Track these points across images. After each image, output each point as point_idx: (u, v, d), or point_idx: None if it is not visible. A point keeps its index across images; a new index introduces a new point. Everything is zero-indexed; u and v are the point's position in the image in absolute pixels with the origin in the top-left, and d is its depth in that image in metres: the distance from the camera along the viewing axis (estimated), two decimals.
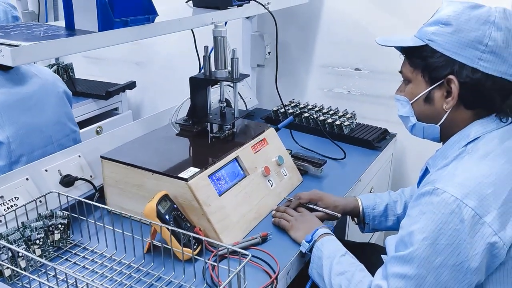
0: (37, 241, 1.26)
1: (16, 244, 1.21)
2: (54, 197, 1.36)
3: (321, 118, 2.10)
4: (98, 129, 2.49)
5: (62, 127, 1.92)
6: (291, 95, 2.42)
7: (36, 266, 1.19)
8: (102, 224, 1.31)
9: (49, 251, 1.29)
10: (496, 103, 1.10)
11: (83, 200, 1.32)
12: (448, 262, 0.99)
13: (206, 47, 1.60)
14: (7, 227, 1.27)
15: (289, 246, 1.35)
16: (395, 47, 1.23)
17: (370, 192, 1.93)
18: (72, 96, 2.39)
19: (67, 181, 1.48)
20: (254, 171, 1.54)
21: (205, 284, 1.17)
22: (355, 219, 1.55)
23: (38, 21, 2.74)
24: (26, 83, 1.82)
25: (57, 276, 1.11)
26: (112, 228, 1.28)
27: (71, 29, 1.30)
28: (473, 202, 0.99)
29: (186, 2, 1.81)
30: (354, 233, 1.76)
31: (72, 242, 1.35)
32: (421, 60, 1.14)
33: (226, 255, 1.16)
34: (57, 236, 1.31)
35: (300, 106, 2.27)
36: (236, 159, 1.52)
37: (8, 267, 1.16)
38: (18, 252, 1.15)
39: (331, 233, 1.33)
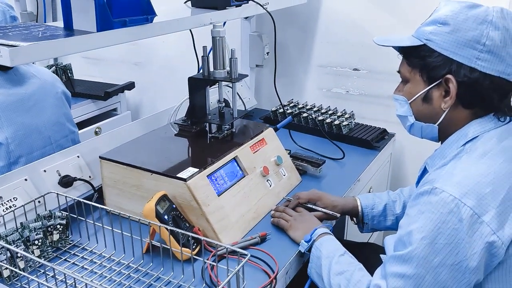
0: (36, 242, 1.26)
1: (15, 245, 1.21)
2: (53, 198, 1.36)
3: (320, 118, 2.10)
4: (97, 130, 2.49)
5: (61, 128, 1.92)
6: (289, 95, 2.42)
7: (35, 266, 1.19)
8: (101, 225, 1.31)
9: (48, 251, 1.29)
10: (494, 103, 1.10)
11: (82, 200, 1.32)
12: (446, 262, 0.99)
13: (204, 47, 1.61)
14: (5, 228, 1.27)
15: (288, 246, 1.35)
16: (393, 46, 1.23)
17: (369, 192, 1.93)
18: (71, 97, 2.40)
19: (66, 181, 1.48)
20: (253, 171, 1.54)
21: (204, 284, 1.17)
22: (354, 219, 1.55)
23: (37, 22, 2.74)
24: (25, 83, 1.82)
25: (56, 276, 1.11)
26: (111, 228, 1.28)
27: (69, 29, 1.30)
28: (471, 202, 0.99)
29: (185, 2, 1.81)
30: (353, 233, 1.76)
31: (71, 242, 1.35)
32: (419, 59, 1.14)
33: (225, 255, 1.16)
34: (56, 237, 1.31)
35: (299, 106, 2.27)
36: (235, 159, 1.52)
37: (7, 268, 1.16)
38: (16, 253, 1.15)
39: (330, 232, 1.33)
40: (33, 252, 1.25)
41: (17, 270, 1.13)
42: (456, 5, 1.11)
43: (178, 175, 1.34)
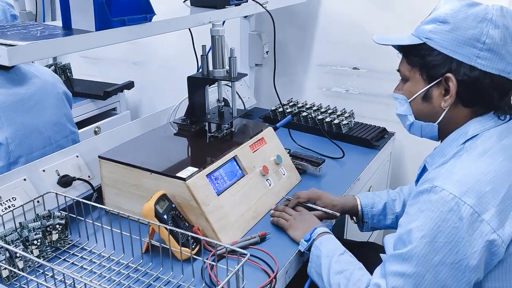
0: (35, 242, 1.25)
1: (14, 245, 1.21)
2: (52, 198, 1.36)
3: (320, 117, 2.10)
4: (96, 129, 2.49)
5: (61, 128, 1.91)
6: (289, 94, 2.42)
7: (34, 266, 1.19)
8: (100, 224, 1.31)
9: (47, 251, 1.29)
10: (494, 101, 1.10)
11: (81, 200, 1.31)
12: (446, 260, 0.99)
13: (203, 46, 1.60)
14: (4, 228, 1.26)
15: (288, 245, 1.35)
16: (392, 45, 1.23)
17: (369, 191, 1.92)
18: (73, 97, 2.40)
19: (65, 181, 1.48)
20: (252, 171, 1.54)
21: (203, 284, 1.17)
22: (354, 218, 1.55)
23: (36, 21, 2.73)
24: (26, 83, 1.81)
25: (55, 276, 1.10)
26: (110, 228, 1.28)
27: (68, 28, 1.30)
28: (471, 200, 0.98)
29: (184, 1, 1.81)
30: (353, 232, 1.75)
31: (70, 242, 1.35)
32: (418, 58, 1.14)
33: (225, 255, 1.16)
34: (55, 237, 1.31)
35: (299, 105, 2.26)
36: (234, 158, 1.51)
37: (5, 268, 1.16)
38: (15, 253, 1.15)
39: (330, 232, 1.33)
40: (32, 252, 1.25)
41: (16, 270, 1.13)
42: (456, 3, 1.10)
43: (178, 175, 1.33)
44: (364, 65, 2.31)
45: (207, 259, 1.20)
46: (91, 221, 1.33)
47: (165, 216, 1.26)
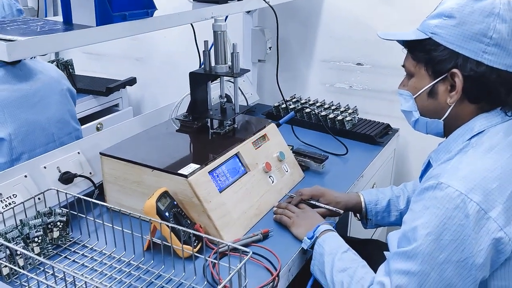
0: (36, 239, 1.24)
1: (14, 242, 1.20)
2: (53, 195, 1.35)
3: (323, 113, 2.08)
4: (98, 126, 2.48)
5: (65, 125, 1.90)
6: (292, 90, 2.40)
7: (35, 264, 1.18)
8: (101, 222, 1.30)
9: (48, 249, 1.28)
10: (501, 97, 1.08)
11: (82, 197, 1.30)
12: (452, 258, 0.97)
13: (206, 42, 1.59)
14: (5, 225, 1.25)
15: (291, 243, 1.33)
16: (397, 40, 1.21)
17: (373, 187, 1.91)
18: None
19: (66, 178, 1.47)
20: (255, 167, 1.52)
21: (205, 282, 1.16)
22: (358, 215, 1.53)
23: (37, 17, 2.72)
24: (30, 79, 1.81)
25: (56, 274, 1.09)
26: (111, 225, 1.27)
27: (69, 23, 1.28)
28: (478, 197, 0.97)
29: None
30: (356, 229, 1.74)
31: (71, 239, 1.33)
32: (424, 53, 1.12)
33: (227, 252, 1.15)
34: (56, 234, 1.30)
35: (302, 101, 2.25)
36: (236, 155, 1.50)
37: (6, 266, 1.15)
38: (16, 250, 1.14)
39: (333, 229, 1.31)
40: (33, 250, 1.24)
41: (16, 268, 1.12)
42: None
43: (179, 172, 1.32)
44: (368, 60, 2.29)
45: (209, 257, 1.18)
46: (92, 219, 1.31)
47: (166, 214, 1.25)
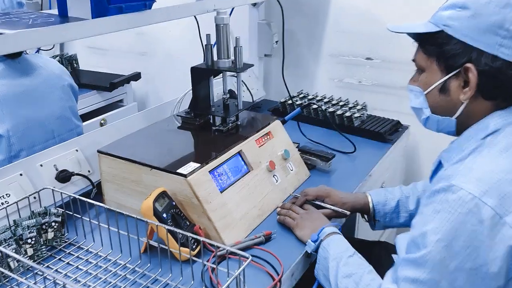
0: (29, 240, 1.20)
1: (6, 244, 1.15)
2: (48, 194, 1.30)
3: (330, 109, 2.02)
4: (102, 122, 2.43)
5: (66, 122, 1.87)
6: (299, 86, 2.34)
7: (26, 267, 1.13)
8: (97, 223, 1.25)
9: (42, 250, 1.23)
10: None
11: (77, 197, 1.25)
12: (464, 266, 0.91)
13: (208, 36, 1.53)
14: None
15: (294, 246, 1.28)
16: (408, 33, 1.14)
17: (381, 187, 1.84)
18: (79, 88, 2.34)
19: (63, 176, 1.43)
20: (258, 166, 1.47)
21: (203, 287, 1.11)
22: (365, 216, 1.47)
23: (42, 10, 2.68)
24: (31, 75, 1.77)
25: (47, 277, 1.05)
26: (107, 226, 1.22)
27: (64, 16, 1.24)
28: (492, 201, 0.90)
29: None
30: (364, 230, 1.68)
31: (66, 240, 1.29)
32: (436, 47, 1.05)
33: (226, 256, 1.09)
34: (50, 235, 1.26)
35: (309, 97, 2.18)
36: (239, 153, 1.44)
37: None
38: (7, 254, 1.09)
39: (339, 232, 1.25)
40: (26, 252, 1.19)
41: (6, 272, 1.07)
42: None
43: (179, 171, 1.27)
44: (378, 55, 2.21)
45: (207, 261, 1.13)
46: (88, 219, 1.26)
47: (164, 215, 1.20)
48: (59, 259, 1.22)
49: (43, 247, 1.24)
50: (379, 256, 1.45)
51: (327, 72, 2.37)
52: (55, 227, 1.26)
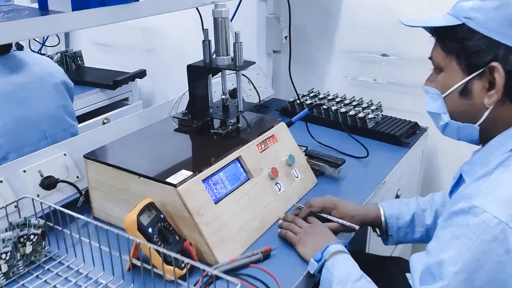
0: (3, 256, 1.09)
1: None
2: (30, 203, 1.19)
3: (342, 110, 1.88)
4: (105, 121, 2.33)
5: (58, 121, 1.77)
6: (310, 84, 2.20)
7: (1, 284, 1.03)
8: (78, 236, 1.13)
9: (18, 266, 1.12)
10: None
11: (58, 208, 1.14)
12: None
13: (206, 31, 1.41)
14: None
15: (296, 264, 1.15)
16: (424, 27, 1.00)
17: (397, 196, 1.70)
18: (80, 86, 2.24)
19: (48, 183, 1.32)
20: (259, 173, 1.34)
21: None
22: (377, 230, 1.33)
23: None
24: (19, 72, 1.68)
25: None
26: (88, 240, 1.11)
27: (44, 9, 1.12)
28: None
29: None
30: (376, 244, 1.54)
31: (47, 254, 1.18)
32: (456, 43, 0.92)
33: (219, 276, 0.97)
34: (28, 249, 1.15)
35: (320, 96, 2.05)
36: (238, 159, 1.32)
37: None
38: None
39: (345, 250, 1.12)
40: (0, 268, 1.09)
41: None
42: None
43: (168, 180, 1.15)
44: (394, 51, 2.06)
45: (194, 285, 1.01)
46: (69, 232, 1.15)
47: (150, 229, 1.08)
48: (37, 276, 1.12)
49: (19, 262, 1.13)
50: (391, 272, 1.33)
51: (339, 70, 2.23)
52: (34, 240, 1.15)
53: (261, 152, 1.39)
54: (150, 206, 1.12)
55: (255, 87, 2.03)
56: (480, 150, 0.97)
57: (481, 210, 0.79)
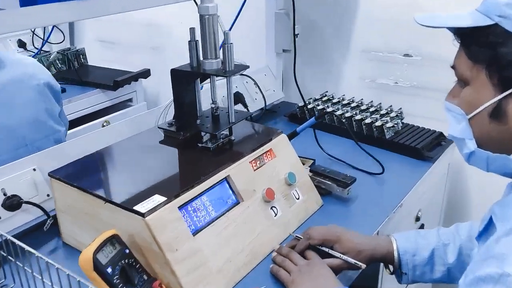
0: None
1: None
2: None
3: (357, 117, 1.67)
4: (105, 124, 2.19)
5: (40, 126, 1.63)
6: (324, 87, 2.00)
7: None
8: (31, 271, 0.97)
9: None
10: None
11: (9, 238, 0.98)
12: None
13: (192, 29, 1.22)
14: None
15: None
16: (448, 28, 0.80)
17: (417, 218, 1.49)
18: (80, 86, 2.10)
19: (10, 204, 1.17)
20: (251, 196, 1.16)
21: None
22: (389, 266, 1.13)
23: None
24: None
25: None
26: (41, 278, 0.94)
27: None
28: None
29: None
30: (390, 282, 1.33)
31: None
32: (486, 49, 0.72)
33: None
34: None
35: (334, 100, 1.84)
36: (226, 179, 1.14)
37: None
38: None
39: None
40: None
41: None
42: None
43: (135, 208, 0.97)
44: (418, 51, 1.86)
45: None
46: (22, 265, 0.99)
47: (109, 269, 0.91)
48: None
49: None
50: None
51: (357, 71, 2.02)
52: None
53: (255, 170, 1.20)
54: (113, 240, 0.95)
55: (261, 90, 1.84)
56: None
57: None
